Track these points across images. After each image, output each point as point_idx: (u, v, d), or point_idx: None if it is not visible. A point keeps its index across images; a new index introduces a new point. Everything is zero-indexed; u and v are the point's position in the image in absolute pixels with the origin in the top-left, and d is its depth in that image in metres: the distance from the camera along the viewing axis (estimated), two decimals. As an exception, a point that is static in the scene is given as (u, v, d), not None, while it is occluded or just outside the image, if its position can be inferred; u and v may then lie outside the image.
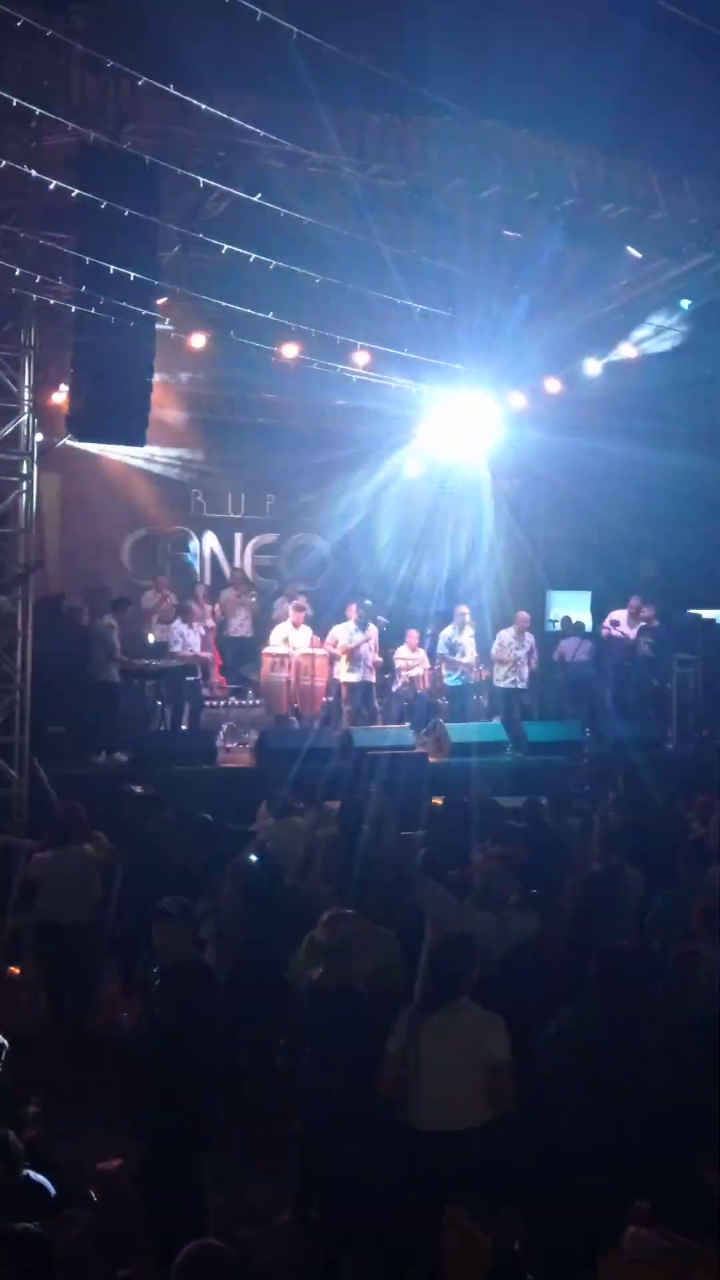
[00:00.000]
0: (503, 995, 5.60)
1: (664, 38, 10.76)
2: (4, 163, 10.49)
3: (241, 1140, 6.98)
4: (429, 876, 6.71)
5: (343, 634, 15.42)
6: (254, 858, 8.07)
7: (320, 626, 15.93)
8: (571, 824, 9.86)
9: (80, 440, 13.84)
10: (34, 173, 10.60)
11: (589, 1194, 4.60)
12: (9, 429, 11.95)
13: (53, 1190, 4.69)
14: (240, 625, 16.72)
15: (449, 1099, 5.00)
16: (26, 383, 12.03)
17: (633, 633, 16.75)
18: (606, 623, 17.08)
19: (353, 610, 15.69)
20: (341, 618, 15.81)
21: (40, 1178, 4.66)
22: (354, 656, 15.39)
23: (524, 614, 16.56)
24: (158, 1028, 5.93)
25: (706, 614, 17.21)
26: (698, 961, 6.24)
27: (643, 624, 16.71)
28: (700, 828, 9.50)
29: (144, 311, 11.09)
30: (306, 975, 5.60)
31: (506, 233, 12.25)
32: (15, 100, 9.98)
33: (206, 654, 15.52)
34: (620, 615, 16.94)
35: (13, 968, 9.55)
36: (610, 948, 5.32)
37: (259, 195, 11.40)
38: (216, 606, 16.65)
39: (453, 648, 15.88)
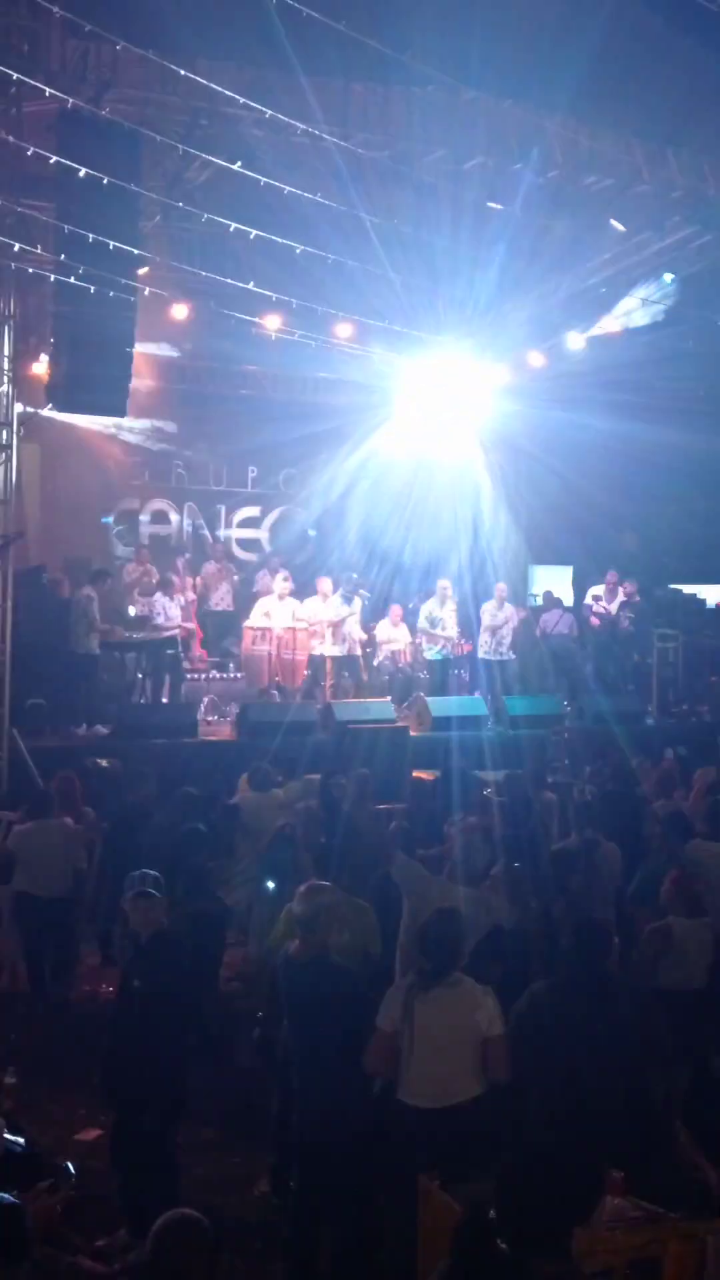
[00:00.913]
0: (483, 969, 5.64)
1: (648, 9, 10.72)
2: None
3: (219, 1110, 7.05)
4: (400, 850, 6.72)
5: (324, 608, 15.38)
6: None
7: (301, 600, 15.89)
8: (550, 798, 9.90)
9: (60, 410, 13.75)
10: (13, 139, 10.49)
11: (562, 1164, 4.64)
12: (-11, 399, 11.90)
13: (30, 1160, 4.71)
14: (222, 599, 16.67)
15: (445, 1074, 5.02)
16: (6, 352, 11.97)
17: (613, 607, 16.80)
18: (588, 598, 17.13)
19: (322, 583, 15.63)
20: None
21: (17, 1148, 4.68)
22: (339, 630, 15.36)
23: (502, 585, 16.69)
24: (134, 998, 5.96)
25: (687, 589, 17.26)
26: (669, 934, 6.30)
27: (624, 599, 16.76)
28: (662, 801, 9.51)
29: (124, 280, 11.00)
30: (284, 946, 5.61)
31: (489, 204, 12.18)
32: (-6, 66, 9.88)
33: (189, 625, 15.49)
34: (600, 590, 16.99)
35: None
36: (586, 921, 5.35)
37: (240, 164, 11.31)
38: (197, 579, 16.59)
39: (433, 621, 15.88)
